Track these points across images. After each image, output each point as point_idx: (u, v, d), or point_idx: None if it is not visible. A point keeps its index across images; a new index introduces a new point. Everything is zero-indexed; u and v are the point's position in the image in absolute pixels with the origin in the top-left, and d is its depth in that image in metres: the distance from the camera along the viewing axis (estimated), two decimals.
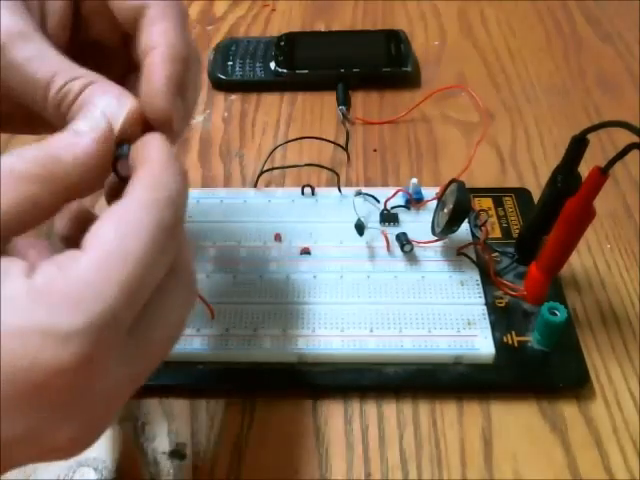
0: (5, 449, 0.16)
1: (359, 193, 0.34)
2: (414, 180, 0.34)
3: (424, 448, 0.26)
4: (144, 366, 0.19)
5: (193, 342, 0.28)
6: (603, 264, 0.33)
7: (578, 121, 0.42)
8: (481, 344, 0.28)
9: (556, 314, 0.27)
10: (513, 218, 0.34)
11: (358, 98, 0.45)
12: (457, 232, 0.31)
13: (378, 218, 0.33)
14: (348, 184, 0.38)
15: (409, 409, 0.27)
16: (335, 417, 0.27)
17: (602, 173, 0.24)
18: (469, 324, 0.29)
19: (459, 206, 0.29)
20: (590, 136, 0.26)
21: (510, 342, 0.29)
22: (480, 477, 0.25)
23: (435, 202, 0.33)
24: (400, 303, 0.29)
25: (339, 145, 0.39)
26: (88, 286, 0.16)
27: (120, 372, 0.18)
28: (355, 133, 0.42)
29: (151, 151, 0.19)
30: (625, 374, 0.28)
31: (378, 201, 0.34)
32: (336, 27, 0.52)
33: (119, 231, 0.17)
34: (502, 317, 0.30)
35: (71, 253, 0.17)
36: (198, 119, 0.43)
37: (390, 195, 0.34)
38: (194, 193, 0.35)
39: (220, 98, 0.45)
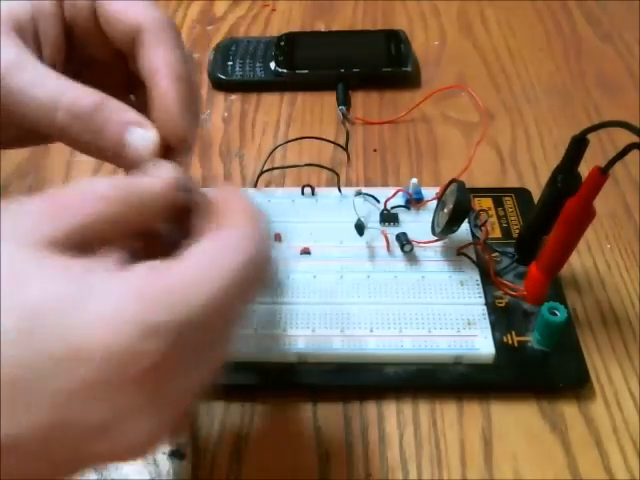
0: (87, 439, 0.17)
1: (359, 193, 0.34)
2: (414, 180, 0.34)
3: (424, 448, 0.26)
4: (207, 374, 0.19)
5: None
6: (603, 264, 0.33)
7: (578, 121, 0.42)
8: (481, 344, 0.28)
9: (556, 314, 0.27)
10: (513, 218, 0.34)
11: (358, 98, 0.45)
12: (457, 232, 0.31)
13: (378, 218, 0.33)
14: (348, 184, 0.38)
15: (409, 409, 0.27)
16: (335, 417, 0.27)
17: (602, 173, 0.24)
18: (469, 324, 0.29)
19: (459, 206, 0.29)
20: (590, 136, 0.26)
21: (510, 342, 0.29)
22: (480, 477, 0.25)
23: (435, 202, 0.33)
24: (400, 303, 0.29)
25: (339, 145, 0.39)
26: (183, 287, 0.17)
27: (193, 376, 0.18)
28: (355, 133, 0.42)
29: (239, 200, 0.21)
30: (625, 374, 0.28)
31: (378, 201, 0.34)
32: (336, 27, 0.52)
33: (217, 250, 0.19)
34: (502, 317, 0.30)
35: (164, 261, 0.18)
36: None
37: (390, 195, 0.34)
38: None
39: (220, 98, 0.45)
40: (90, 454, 0.17)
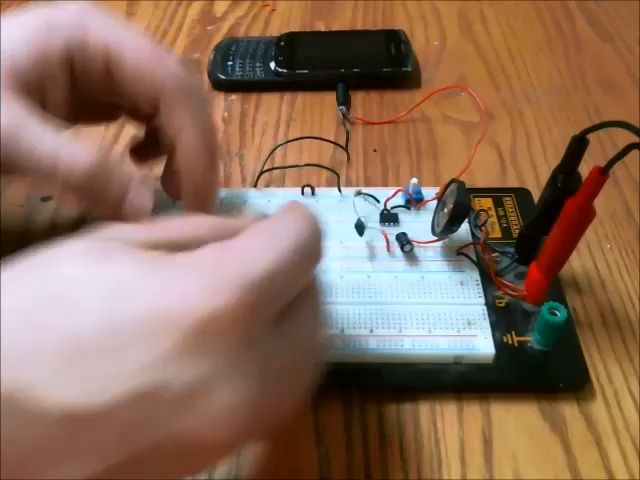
0: (174, 408, 0.17)
1: (359, 193, 0.34)
2: (414, 180, 0.34)
3: (424, 448, 0.26)
4: (291, 361, 0.20)
5: None
6: (603, 264, 0.33)
7: (578, 121, 0.42)
8: (481, 344, 0.28)
9: (556, 314, 0.27)
10: (513, 218, 0.34)
11: (358, 98, 0.45)
12: (457, 232, 0.31)
13: (378, 218, 0.33)
14: (348, 184, 0.38)
15: (409, 409, 0.27)
16: (335, 417, 0.27)
17: (602, 173, 0.24)
18: (469, 324, 0.29)
19: (459, 206, 0.29)
20: (590, 136, 0.26)
21: (510, 342, 0.29)
22: (480, 477, 0.25)
23: (435, 202, 0.33)
24: (400, 303, 0.29)
25: (339, 145, 0.39)
26: (251, 251, 0.19)
27: (271, 358, 0.19)
28: (355, 133, 0.42)
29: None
30: (625, 374, 0.28)
31: (378, 201, 0.34)
32: (336, 27, 0.52)
33: (274, 225, 0.20)
34: (502, 317, 0.30)
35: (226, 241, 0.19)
36: None
37: (390, 195, 0.34)
38: None
39: (220, 98, 0.45)
40: (178, 434, 0.17)
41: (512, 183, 0.37)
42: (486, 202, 0.35)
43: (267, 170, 0.37)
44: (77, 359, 0.16)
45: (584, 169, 0.26)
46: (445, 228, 0.30)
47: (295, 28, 0.51)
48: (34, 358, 0.16)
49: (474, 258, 0.31)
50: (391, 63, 0.45)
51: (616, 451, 0.26)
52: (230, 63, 0.46)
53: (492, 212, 0.35)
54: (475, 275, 0.31)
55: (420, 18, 0.53)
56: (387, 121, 0.42)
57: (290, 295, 0.20)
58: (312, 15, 0.53)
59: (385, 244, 0.32)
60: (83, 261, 0.18)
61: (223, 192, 0.35)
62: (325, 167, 0.37)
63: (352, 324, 0.29)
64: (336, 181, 0.35)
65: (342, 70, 0.45)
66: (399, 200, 0.34)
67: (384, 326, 0.28)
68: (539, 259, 0.29)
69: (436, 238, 0.32)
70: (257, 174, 0.36)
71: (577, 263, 0.33)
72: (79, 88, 0.27)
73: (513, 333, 0.29)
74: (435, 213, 0.32)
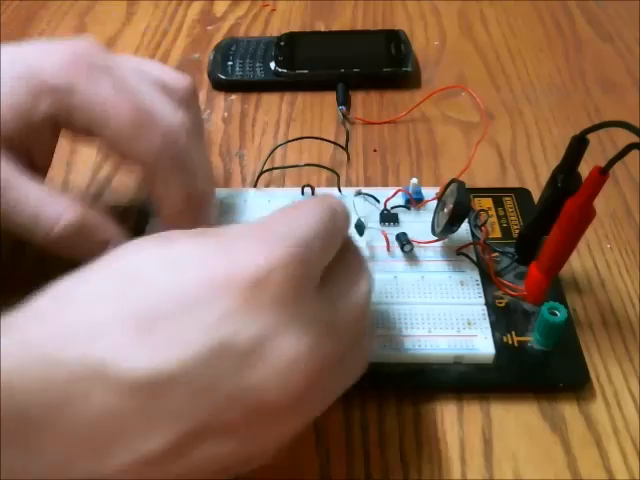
0: (242, 361, 0.18)
1: (359, 193, 0.34)
2: (414, 180, 0.34)
3: (424, 448, 0.26)
4: (338, 319, 0.21)
5: None
6: (603, 264, 0.33)
7: (578, 121, 0.42)
8: (481, 344, 0.28)
9: (556, 314, 0.27)
10: (513, 218, 0.34)
11: (358, 98, 0.45)
12: (457, 232, 0.31)
13: (378, 218, 0.33)
14: (348, 184, 0.38)
15: (409, 409, 0.27)
16: (335, 417, 0.27)
17: (602, 173, 0.24)
18: (469, 324, 0.29)
19: (459, 206, 0.29)
20: (590, 136, 0.26)
21: (510, 342, 0.29)
22: (480, 477, 0.25)
23: (435, 202, 0.33)
24: (400, 303, 0.29)
25: (339, 145, 0.39)
26: (291, 219, 0.21)
27: (321, 314, 0.20)
28: (355, 133, 0.42)
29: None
30: (625, 374, 0.28)
31: (378, 201, 0.34)
32: (336, 27, 0.52)
33: (305, 202, 0.23)
34: (502, 317, 0.30)
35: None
36: None
37: (390, 195, 0.34)
38: None
39: (220, 98, 0.45)
40: (247, 390, 0.18)
41: (512, 183, 0.37)
42: (486, 202, 0.35)
43: (267, 170, 0.37)
44: (148, 328, 0.18)
45: (584, 169, 0.26)
46: (445, 228, 0.30)
47: (295, 28, 0.51)
48: (109, 332, 0.18)
49: (474, 258, 0.31)
50: (391, 63, 0.45)
51: (616, 451, 0.26)
52: (230, 63, 0.46)
53: (492, 212, 0.35)
54: (475, 275, 0.31)
55: (420, 18, 0.53)
56: (387, 121, 0.42)
57: (327, 258, 0.22)
58: (312, 15, 0.53)
59: (385, 244, 0.32)
60: (147, 247, 0.20)
61: (223, 192, 0.35)
62: (325, 167, 0.37)
63: None
64: (336, 181, 0.35)
65: (342, 70, 0.45)
66: (399, 200, 0.34)
67: (384, 326, 0.28)
68: (539, 259, 0.29)
69: (436, 238, 0.32)
70: (257, 174, 0.36)
71: (577, 263, 0.33)
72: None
73: (513, 333, 0.29)
74: (435, 213, 0.32)
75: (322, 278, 0.21)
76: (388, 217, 0.33)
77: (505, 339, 0.29)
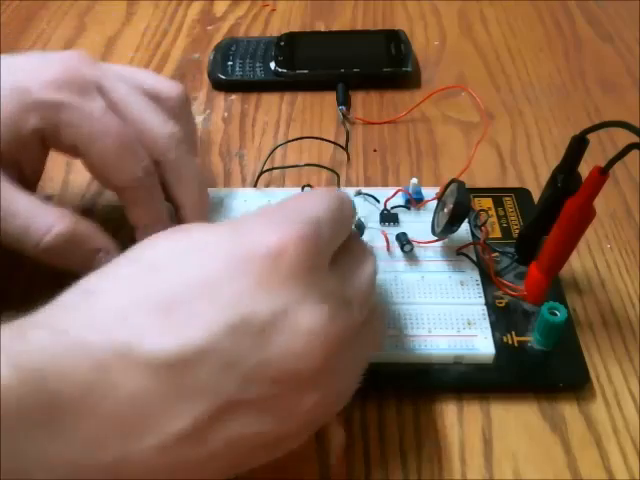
0: (264, 332, 0.19)
1: (359, 193, 0.34)
2: (414, 180, 0.34)
3: (424, 448, 0.26)
4: (348, 295, 0.22)
5: None
6: (603, 264, 0.33)
7: (578, 121, 0.42)
8: (481, 344, 0.28)
9: (556, 314, 0.27)
10: (513, 218, 0.34)
11: (358, 98, 0.45)
12: (457, 232, 0.31)
13: (378, 218, 0.33)
14: (348, 184, 0.38)
15: (409, 409, 0.27)
16: (335, 417, 0.27)
17: (602, 173, 0.24)
18: (469, 324, 0.29)
19: (459, 206, 0.29)
20: (590, 136, 0.26)
21: (510, 342, 0.29)
22: (480, 477, 0.25)
23: (435, 202, 0.33)
24: (400, 303, 0.29)
25: (339, 145, 0.39)
26: (302, 203, 0.23)
27: (334, 289, 0.21)
28: (355, 133, 0.42)
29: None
30: (625, 374, 0.28)
31: (378, 201, 0.34)
32: (336, 27, 0.52)
33: (312, 191, 0.26)
34: (502, 317, 0.30)
35: None
36: (198, 119, 0.43)
37: (390, 195, 0.34)
38: None
39: (220, 98, 0.45)
40: (269, 363, 0.19)
41: (512, 183, 0.37)
42: (486, 202, 0.35)
43: (267, 170, 0.37)
44: (169, 310, 0.19)
45: (584, 169, 0.26)
46: (445, 228, 0.30)
47: (295, 28, 0.51)
48: (133, 317, 0.19)
49: (474, 258, 0.31)
50: (391, 63, 0.45)
51: (616, 451, 0.26)
52: (230, 63, 0.46)
53: (492, 212, 0.35)
54: (475, 275, 0.31)
55: (420, 18, 0.53)
56: (387, 121, 0.42)
57: (336, 242, 0.23)
58: (312, 15, 0.53)
59: (385, 244, 0.32)
60: (164, 238, 0.21)
61: (223, 192, 0.35)
62: (325, 167, 0.37)
63: None
64: (336, 181, 0.35)
65: (342, 70, 0.45)
66: (399, 200, 0.34)
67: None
68: (539, 259, 0.29)
69: (436, 238, 0.32)
70: (257, 174, 0.36)
71: (577, 263, 0.33)
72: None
73: (513, 333, 0.29)
74: (435, 213, 0.32)
75: (331, 261, 0.23)
76: (388, 217, 0.33)
77: (505, 339, 0.29)
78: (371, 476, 0.25)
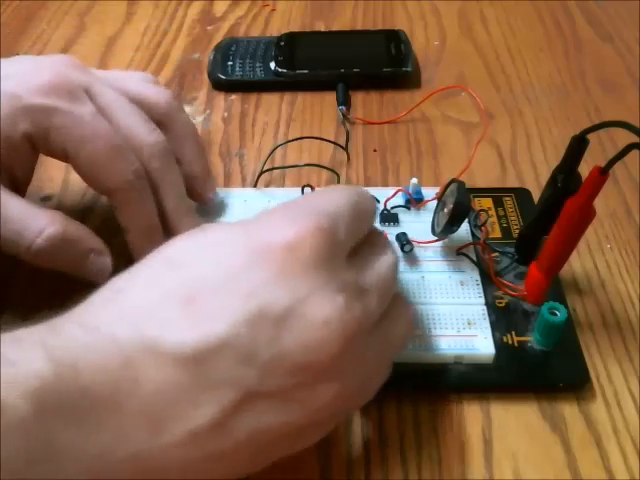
0: (281, 321, 0.20)
1: None
2: (414, 180, 0.34)
3: (424, 448, 0.26)
4: (365, 287, 0.23)
5: None
6: (603, 264, 0.33)
7: (578, 121, 0.42)
8: (481, 344, 0.28)
9: (556, 314, 0.27)
10: (513, 218, 0.34)
11: (358, 98, 0.45)
12: (457, 232, 0.31)
13: (378, 218, 0.33)
14: (348, 184, 0.38)
15: (409, 409, 0.27)
16: None
17: (602, 173, 0.24)
18: (469, 324, 0.29)
19: (459, 206, 0.29)
20: (590, 136, 0.26)
21: (510, 342, 0.29)
22: (480, 477, 0.25)
23: (435, 202, 0.33)
24: None
25: (339, 145, 0.39)
26: (317, 197, 0.24)
27: (350, 280, 0.22)
28: (355, 133, 0.42)
29: None
30: (625, 374, 0.28)
31: (378, 201, 0.34)
32: (336, 27, 0.52)
33: (331, 187, 0.26)
34: (502, 317, 0.30)
35: None
36: (198, 119, 0.43)
37: (390, 195, 0.34)
38: None
39: (220, 98, 0.45)
40: (288, 352, 0.20)
41: (512, 183, 0.37)
42: (486, 202, 0.35)
43: (267, 170, 0.37)
44: (191, 303, 0.20)
45: (584, 169, 0.26)
46: (445, 228, 0.30)
47: (295, 28, 0.51)
48: (158, 312, 0.20)
49: (474, 258, 0.31)
50: (391, 63, 0.45)
51: (616, 451, 0.26)
52: (230, 63, 0.46)
53: (492, 212, 0.35)
54: (475, 275, 0.31)
55: (420, 18, 0.53)
56: (387, 121, 0.42)
57: (355, 235, 0.24)
58: (312, 15, 0.53)
59: None
60: (184, 238, 0.22)
61: (223, 192, 0.35)
62: (325, 167, 0.37)
63: None
64: (336, 181, 0.35)
65: (342, 70, 0.45)
66: (399, 200, 0.34)
67: None
68: (539, 259, 0.29)
69: (436, 238, 0.32)
70: (257, 174, 0.36)
71: (577, 263, 0.33)
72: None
73: (513, 333, 0.29)
74: (435, 213, 0.32)
75: (350, 253, 0.23)
76: (388, 217, 0.33)
77: (505, 339, 0.29)
78: (371, 476, 0.25)
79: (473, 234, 0.33)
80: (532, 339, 0.29)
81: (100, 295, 0.21)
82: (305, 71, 0.45)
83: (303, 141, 0.40)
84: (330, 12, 0.54)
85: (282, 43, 0.47)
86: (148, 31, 0.52)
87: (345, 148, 0.39)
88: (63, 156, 0.28)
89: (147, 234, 0.29)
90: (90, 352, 0.19)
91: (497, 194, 0.36)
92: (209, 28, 0.52)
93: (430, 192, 0.34)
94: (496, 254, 0.32)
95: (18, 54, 0.48)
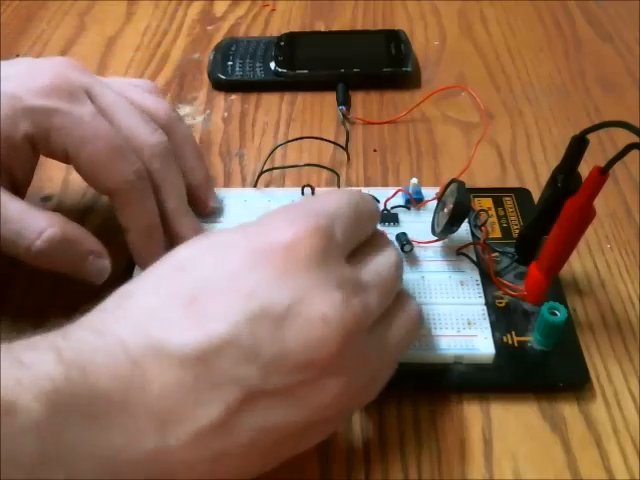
0: (282, 319, 0.20)
1: None
2: (414, 180, 0.34)
3: (424, 448, 0.26)
4: (365, 287, 0.23)
5: None
6: (603, 264, 0.33)
7: (578, 121, 0.42)
8: (481, 344, 0.28)
9: (556, 314, 0.27)
10: (513, 218, 0.34)
11: (358, 98, 0.45)
12: (457, 232, 0.31)
13: None
14: (348, 184, 0.38)
15: (409, 409, 0.27)
16: None
17: (602, 173, 0.24)
18: (469, 324, 0.29)
19: (459, 206, 0.29)
20: (590, 136, 0.26)
21: (510, 342, 0.29)
22: (480, 477, 0.25)
23: (435, 202, 0.33)
24: None
25: (339, 145, 0.39)
26: (315, 199, 0.25)
27: (349, 280, 0.22)
28: (355, 133, 0.42)
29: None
30: (625, 374, 0.28)
31: (378, 201, 0.34)
32: (336, 27, 0.52)
33: (331, 190, 0.26)
34: (502, 317, 0.30)
35: None
36: (198, 119, 0.43)
37: (390, 195, 0.34)
38: None
39: (220, 98, 0.45)
40: (290, 350, 0.20)
41: (512, 183, 0.37)
42: (486, 202, 0.35)
43: (267, 170, 0.37)
44: (194, 304, 0.20)
45: (584, 169, 0.26)
46: (445, 228, 0.30)
47: (295, 28, 0.51)
48: (162, 314, 0.20)
49: (474, 258, 0.31)
50: (391, 63, 0.45)
51: (616, 451, 0.26)
52: (230, 63, 0.46)
53: (492, 212, 0.35)
54: (475, 275, 0.31)
55: (420, 18, 0.53)
56: (387, 121, 0.42)
57: (354, 237, 0.24)
58: (312, 15, 0.53)
59: None
60: (188, 244, 0.23)
61: (223, 192, 0.35)
62: (325, 167, 0.37)
63: None
64: (336, 181, 0.35)
65: (342, 70, 0.45)
66: (399, 200, 0.34)
67: None
68: (539, 259, 0.29)
69: (436, 238, 0.32)
70: (257, 174, 0.36)
71: (577, 263, 0.33)
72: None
73: (513, 333, 0.29)
74: (435, 213, 0.32)
75: (352, 253, 0.24)
76: (388, 217, 0.33)
77: (505, 339, 0.29)
78: (371, 476, 0.25)
79: (473, 234, 0.33)
80: (532, 339, 0.29)
81: (110, 301, 0.22)
82: (305, 71, 0.45)
83: (303, 141, 0.40)
84: (330, 12, 0.54)
85: (282, 43, 0.47)
86: (148, 31, 0.52)
87: (345, 148, 0.39)
88: (64, 157, 0.28)
89: (147, 234, 0.29)
90: (99, 355, 0.19)
91: (497, 194, 0.36)
92: (209, 28, 0.52)
93: (430, 192, 0.34)
94: (496, 254, 0.32)
95: (18, 54, 0.48)
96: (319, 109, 0.44)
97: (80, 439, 0.18)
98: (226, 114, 0.43)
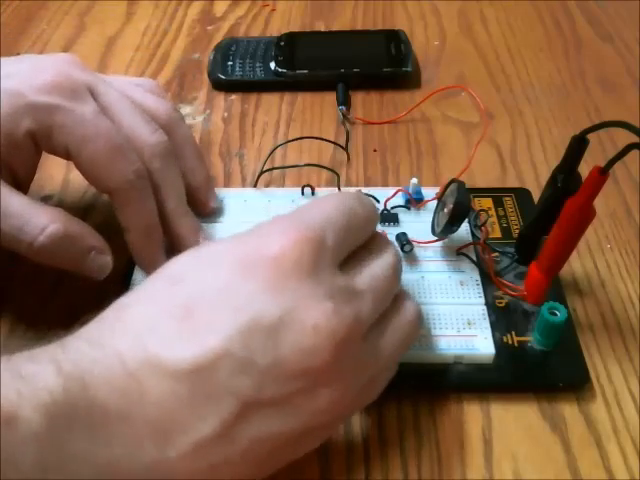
0: (275, 331, 0.20)
1: None
2: (414, 180, 0.34)
3: (424, 448, 0.26)
4: (358, 304, 0.22)
5: None
6: (603, 264, 0.33)
7: (578, 121, 0.42)
8: (481, 344, 0.28)
9: (556, 314, 0.27)
10: (513, 218, 0.34)
11: (358, 98, 0.45)
12: (457, 232, 0.31)
13: None
14: (348, 184, 0.38)
15: (409, 409, 0.27)
16: None
17: (602, 173, 0.24)
18: (469, 324, 0.29)
19: (459, 206, 0.29)
20: (590, 136, 0.26)
21: (510, 342, 0.29)
22: (480, 477, 0.25)
23: (435, 202, 0.33)
24: None
25: (339, 145, 0.39)
26: (304, 209, 0.24)
27: (338, 289, 0.22)
28: (355, 133, 0.42)
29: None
30: (625, 374, 0.28)
31: (378, 201, 0.34)
32: (336, 27, 0.52)
33: (322, 197, 0.25)
34: (502, 317, 0.30)
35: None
36: (198, 119, 0.43)
37: (390, 195, 0.34)
38: None
39: (220, 98, 0.45)
40: (284, 358, 0.20)
41: (512, 183, 0.37)
42: (486, 202, 0.35)
43: (267, 170, 0.37)
44: (188, 316, 0.20)
45: (584, 169, 0.26)
46: (445, 228, 0.30)
47: (295, 28, 0.51)
48: (157, 326, 0.20)
49: (474, 258, 0.31)
50: (391, 63, 0.45)
51: (616, 451, 0.26)
52: (230, 63, 0.46)
53: (492, 212, 0.35)
54: (475, 275, 0.31)
55: (420, 18, 0.53)
56: (387, 121, 0.42)
57: (348, 242, 0.24)
58: (312, 15, 0.53)
59: None
60: (183, 256, 0.23)
61: (223, 192, 0.35)
62: (325, 167, 0.37)
63: None
64: (336, 181, 0.35)
65: (342, 70, 0.45)
66: (399, 200, 0.34)
67: None
68: (539, 259, 0.29)
69: (436, 238, 0.32)
70: (257, 174, 0.36)
71: (577, 263, 0.33)
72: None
73: (513, 333, 0.29)
74: (435, 213, 0.32)
75: (347, 258, 0.24)
76: (388, 217, 0.33)
77: (505, 339, 0.29)
78: (371, 476, 0.25)
79: (473, 234, 0.33)
80: (532, 339, 0.29)
81: (107, 313, 0.22)
82: (305, 71, 0.45)
83: (303, 141, 0.40)
84: (330, 12, 0.54)
85: (282, 43, 0.47)
86: (148, 31, 0.52)
87: (345, 148, 0.39)
88: (65, 154, 0.28)
89: (147, 234, 0.29)
90: (97, 367, 0.19)
91: (497, 194, 0.36)
92: (209, 28, 0.52)
93: (430, 192, 0.34)
94: (496, 254, 0.32)
95: (19, 54, 0.48)
96: (319, 109, 0.44)
97: (80, 449, 0.18)
98: (226, 114, 0.43)
